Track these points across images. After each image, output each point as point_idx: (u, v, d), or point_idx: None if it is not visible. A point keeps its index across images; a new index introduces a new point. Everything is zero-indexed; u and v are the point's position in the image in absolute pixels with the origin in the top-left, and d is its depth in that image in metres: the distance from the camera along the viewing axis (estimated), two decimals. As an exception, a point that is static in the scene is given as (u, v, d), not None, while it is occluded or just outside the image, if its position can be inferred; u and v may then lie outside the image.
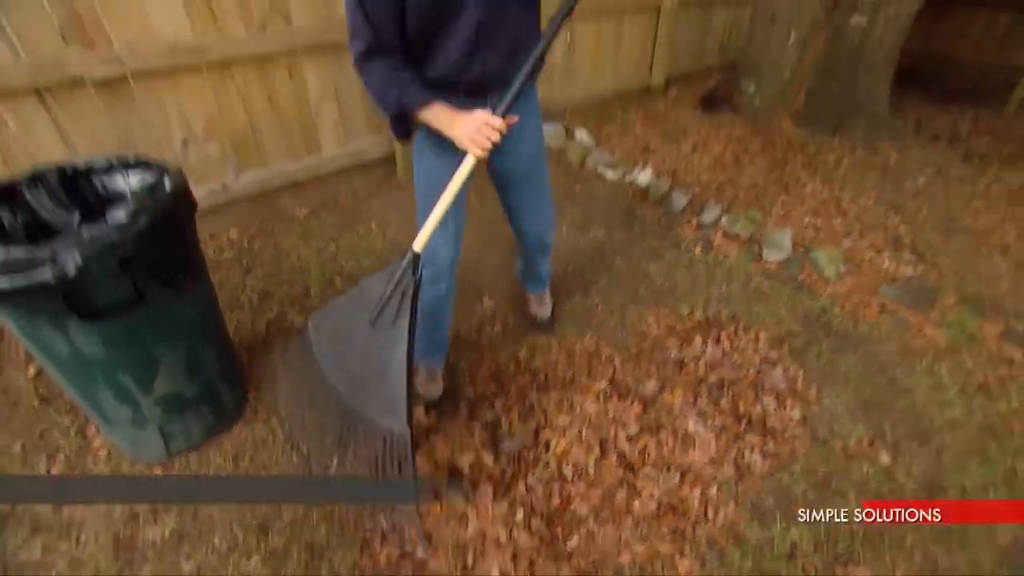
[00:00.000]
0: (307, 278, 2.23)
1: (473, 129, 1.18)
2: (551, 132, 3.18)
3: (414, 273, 1.22)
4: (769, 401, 1.76)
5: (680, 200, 2.67)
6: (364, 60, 1.21)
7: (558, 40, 3.25)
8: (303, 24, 2.32)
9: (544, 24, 1.29)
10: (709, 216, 2.58)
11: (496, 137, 1.18)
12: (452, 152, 1.30)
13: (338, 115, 2.59)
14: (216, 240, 2.43)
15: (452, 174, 1.27)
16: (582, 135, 3.19)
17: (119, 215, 1.13)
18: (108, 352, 1.28)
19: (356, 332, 1.23)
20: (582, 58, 3.49)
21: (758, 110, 3.59)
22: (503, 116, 1.18)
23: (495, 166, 1.55)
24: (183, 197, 1.33)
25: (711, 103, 3.73)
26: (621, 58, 3.75)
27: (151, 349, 1.35)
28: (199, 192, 2.30)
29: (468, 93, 1.30)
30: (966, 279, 2.36)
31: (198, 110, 2.23)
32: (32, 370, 1.81)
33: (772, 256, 2.38)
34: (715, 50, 4.62)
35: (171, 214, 1.25)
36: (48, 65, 1.86)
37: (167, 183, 1.34)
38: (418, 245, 1.22)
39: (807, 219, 2.66)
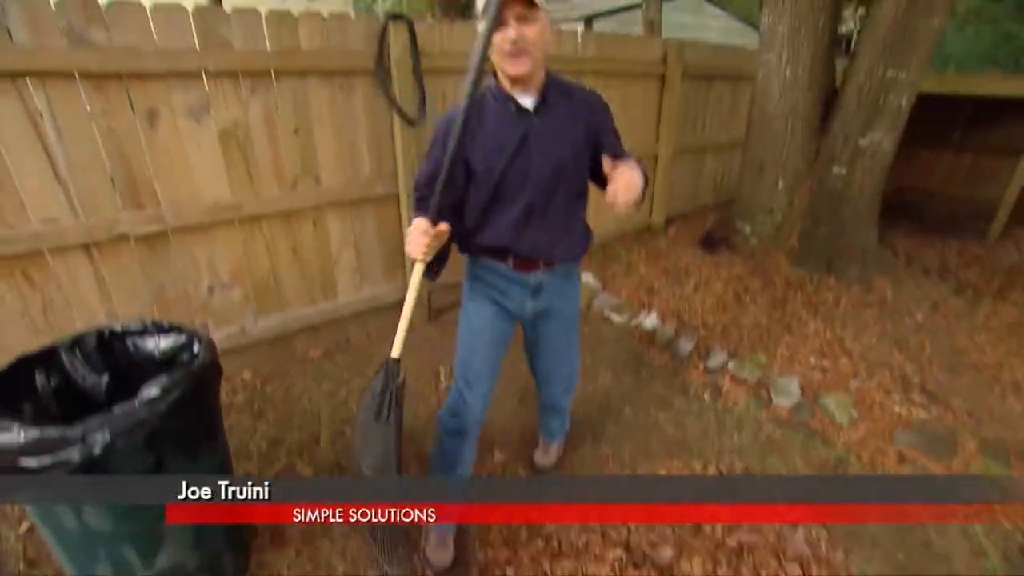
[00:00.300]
0: (317, 425, 2.24)
1: (409, 236, 1.31)
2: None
3: (395, 378, 1.40)
4: (793, 569, 1.67)
5: (686, 345, 2.73)
6: (414, 207, 1.46)
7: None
8: (330, 183, 2.55)
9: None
10: (716, 361, 2.62)
11: (425, 240, 1.27)
12: (485, 299, 1.54)
13: (356, 262, 2.76)
14: (230, 382, 2.47)
15: (487, 319, 1.54)
16: (588, 278, 3.34)
17: (152, 391, 1.18)
18: (116, 525, 1.26)
19: (368, 425, 1.40)
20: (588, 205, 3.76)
21: (755, 249, 3.78)
22: (434, 222, 1.29)
23: (528, 330, 1.67)
24: (211, 366, 1.39)
25: (710, 243, 3.94)
26: (622, 203, 4.04)
27: (161, 521, 1.33)
28: (218, 335, 2.44)
29: (516, 266, 1.48)
30: (983, 422, 2.33)
31: (226, 259, 2.38)
32: (24, 526, 1.75)
33: (781, 402, 2.38)
34: (709, 190, 4.98)
35: (200, 384, 1.31)
36: (101, 224, 2.05)
37: (196, 348, 1.42)
38: (395, 352, 1.41)
39: (813, 360, 2.69)
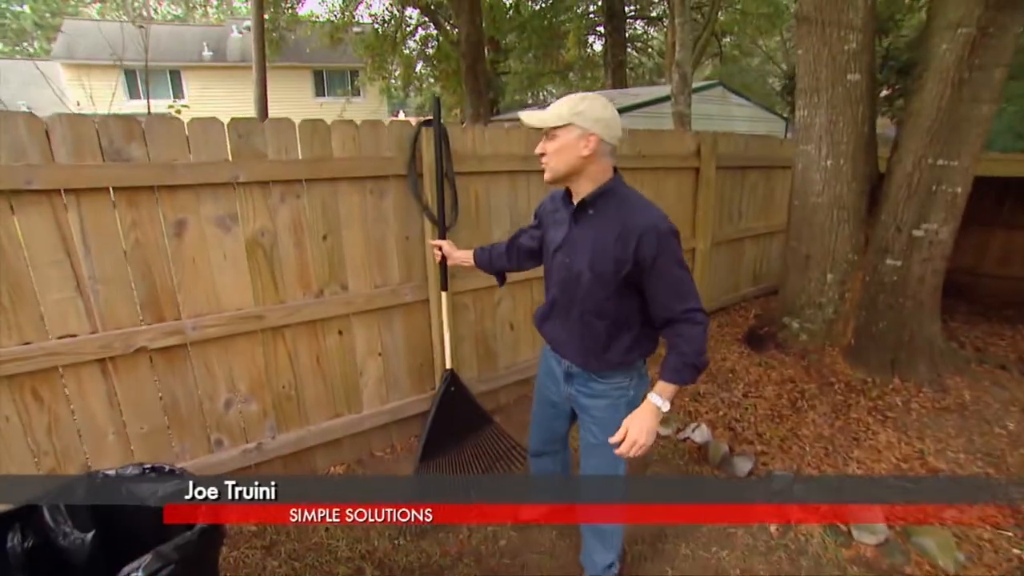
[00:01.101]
0: (334, 562, 1.98)
1: None
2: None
3: (443, 382, 2.17)
4: None
5: (743, 464, 2.42)
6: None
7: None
8: (358, 290, 2.45)
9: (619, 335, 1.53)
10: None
11: (434, 246, 2.18)
12: (543, 365, 1.77)
13: (383, 372, 2.60)
14: (241, 504, 2.26)
15: (541, 381, 1.79)
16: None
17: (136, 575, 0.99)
18: None
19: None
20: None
21: (806, 347, 3.50)
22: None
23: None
24: (212, 531, 1.20)
25: (755, 340, 3.68)
26: (659, 297, 3.87)
27: None
28: (233, 452, 2.27)
29: (551, 347, 1.67)
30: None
31: (245, 370, 2.25)
32: None
33: (864, 537, 2.03)
34: (749, 279, 4.79)
35: (196, 558, 1.11)
36: (119, 338, 1.95)
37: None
38: (448, 363, 2.25)
39: (893, 482, 2.35)
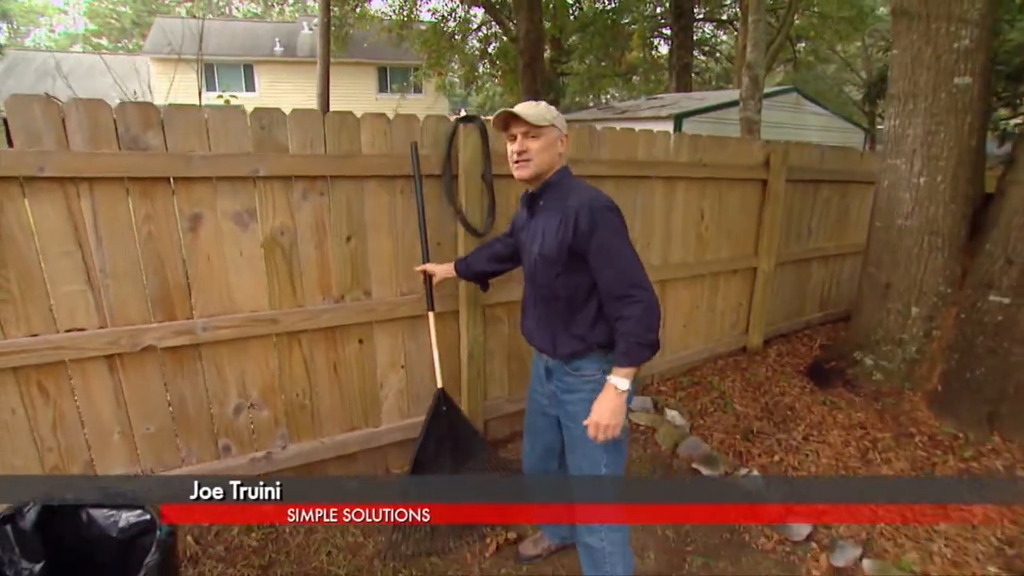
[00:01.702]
0: (331, 592, 1.82)
1: None
2: (637, 406, 2.82)
3: (434, 401, 2.10)
4: None
5: (800, 527, 2.09)
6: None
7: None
8: (382, 297, 2.29)
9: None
10: (845, 556, 1.95)
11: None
12: (533, 367, 1.76)
13: (404, 385, 2.43)
14: (243, 518, 2.13)
15: (532, 385, 1.78)
16: (673, 415, 2.79)
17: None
18: None
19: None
20: (673, 322, 3.30)
21: (880, 387, 3.08)
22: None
23: None
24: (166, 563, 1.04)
25: (820, 375, 3.28)
26: (715, 320, 3.54)
27: None
28: (241, 460, 2.14)
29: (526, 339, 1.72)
30: None
31: (258, 376, 2.13)
32: None
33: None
34: (815, 304, 4.35)
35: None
36: (126, 335, 1.86)
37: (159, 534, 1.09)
38: (439, 382, 2.13)
39: (993, 570, 1.95)
